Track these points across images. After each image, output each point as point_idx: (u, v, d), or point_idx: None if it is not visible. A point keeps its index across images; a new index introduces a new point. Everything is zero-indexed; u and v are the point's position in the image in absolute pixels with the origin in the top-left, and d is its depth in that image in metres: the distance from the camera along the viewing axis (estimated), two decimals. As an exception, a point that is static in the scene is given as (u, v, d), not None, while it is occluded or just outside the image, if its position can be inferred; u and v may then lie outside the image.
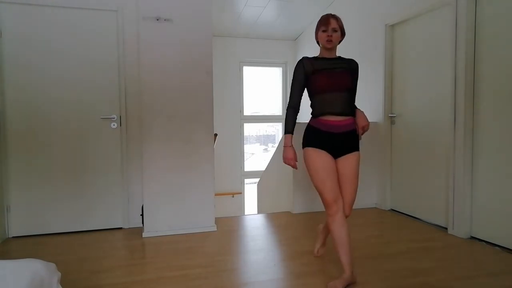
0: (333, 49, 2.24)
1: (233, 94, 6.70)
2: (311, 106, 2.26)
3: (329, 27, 2.17)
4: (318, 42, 2.29)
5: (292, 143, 2.27)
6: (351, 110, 2.21)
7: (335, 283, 2.11)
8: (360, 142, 2.27)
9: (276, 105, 7.18)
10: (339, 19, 2.24)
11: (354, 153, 2.20)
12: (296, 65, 2.26)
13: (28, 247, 2.99)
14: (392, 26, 3.98)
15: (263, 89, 7.17)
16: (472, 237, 3.05)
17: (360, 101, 4.50)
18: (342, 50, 5.49)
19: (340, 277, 2.15)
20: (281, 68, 7.05)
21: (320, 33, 2.22)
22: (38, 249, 2.94)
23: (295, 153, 2.26)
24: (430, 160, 3.49)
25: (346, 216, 2.21)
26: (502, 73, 2.81)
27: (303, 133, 2.29)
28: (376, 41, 4.19)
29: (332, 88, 2.15)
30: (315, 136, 2.20)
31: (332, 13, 2.25)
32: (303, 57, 2.27)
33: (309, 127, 2.25)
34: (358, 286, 2.19)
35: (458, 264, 2.53)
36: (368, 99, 4.37)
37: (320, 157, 2.16)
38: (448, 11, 3.20)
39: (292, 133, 2.26)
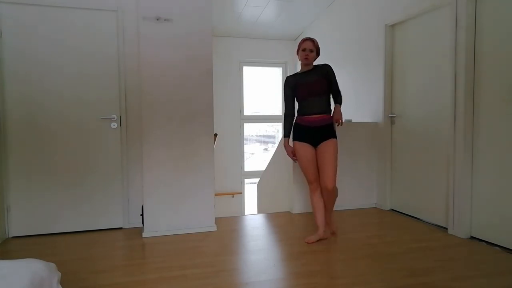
0: (310, 64, 2.94)
1: (233, 94, 6.70)
2: (298, 107, 2.98)
3: (307, 47, 2.87)
4: (297, 51, 2.97)
5: (288, 143, 3.04)
6: (326, 108, 2.91)
7: (310, 237, 2.95)
8: (338, 129, 3.05)
9: (276, 105, 7.18)
10: (315, 41, 2.92)
11: (330, 140, 2.87)
12: (284, 83, 3.03)
13: (28, 247, 2.99)
14: (392, 26, 3.98)
15: (263, 89, 7.17)
16: (472, 237, 3.05)
17: (360, 101, 4.53)
18: (343, 50, 5.51)
19: (315, 233, 2.99)
20: (281, 68, 7.05)
21: (300, 52, 2.91)
22: (38, 249, 2.94)
23: (292, 149, 3.00)
24: (430, 160, 3.49)
25: (329, 188, 2.83)
26: (502, 73, 2.81)
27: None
28: (376, 41, 4.19)
29: (310, 95, 2.88)
30: (299, 132, 2.95)
31: (311, 37, 2.94)
32: (287, 77, 3.05)
33: (296, 124, 2.99)
34: (358, 286, 2.19)
35: (458, 264, 2.53)
36: (368, 99, 4.37)
37: (303, 149, 2.92)
38: (448, 11, 3.20)
39: (288, 136, 3.01)
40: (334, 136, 2.89)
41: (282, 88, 3.17)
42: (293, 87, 2.95)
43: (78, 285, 2.24)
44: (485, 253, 2.73)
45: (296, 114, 3.02)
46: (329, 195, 2.89)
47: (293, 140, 2.98)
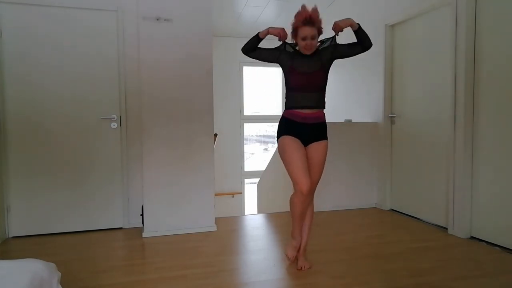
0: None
1: (233, 94, 6.70)
2: (286, 98, 2.44)
3: (309, 35, 2.25)
4: (293, 33, 2.36)
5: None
6: (322, 103, 2.42)
7: (288, 250, 2.48)
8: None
9: (276, 105, 7.18)
10: (319, 22, 2.30)
11: (322, 141, 2.42)
12: (280, 46, 2.46)
13: (28, 247, 2.99)
14: (392, 26, 3.98)
15: (263, 89, 7.17)
16: (472, 237, 3.05)
17: (360, 101, 4.53)
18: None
19: (290, 244, 2.49)
20: (281, 68, 7.04)
21: (299, 40, 2.31)
22: (38, 249, 2.94)
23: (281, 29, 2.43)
24: (430, 160, 3.49)
25: (311, 193, 2.40)
26: (502, 73, 2.81)
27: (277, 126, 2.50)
28: (376, 41, 4.17)
29: (307, 88, 2.35)
30: (289, 126, 2.39)
31: (311, 15, 2.30)
32: (287, 44, 2.44)
33: (283, 118, 2.44)
34: (358, 286, 2.19)
35: (458, 264, 2.53)
36: (368, 99, 4.37)
37: (294, 144, 2.35)
38: (448, 11, 3.20)
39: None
40: (327, 138, 2.45)
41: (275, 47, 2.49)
42: (284, 63, 2.43)
43: (78, 285, 2.24)
44: (485, 253, 2.73)
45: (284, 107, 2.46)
46: (306, 206, 2.42)
47: (280, 136, 2.43)
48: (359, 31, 2.39)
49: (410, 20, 3.72)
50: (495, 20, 2.86)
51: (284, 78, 2.46)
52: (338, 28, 2.35)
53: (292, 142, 2.35)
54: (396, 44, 3.96)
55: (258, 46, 2.50)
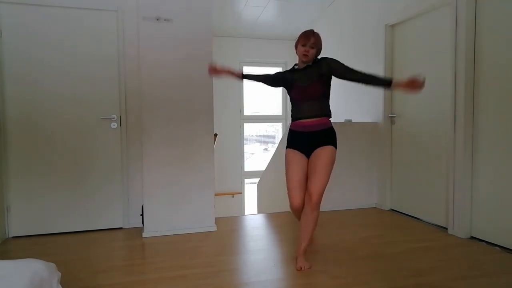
0: (309, 61, 2.51)
1: (233, 94, 6.70)
2: (291, 111, 2.58)
3: (308, 42, 2.44)
4: (296, 44, 2.58)
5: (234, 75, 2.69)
6: (325, 111, 2.49)
7: (299, 258, 2.49)
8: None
9: (276, 105, 7.18)
10: (317, 36, 2.49)
11: (326, 147, 2.43)
12: (283, 71, 2.67)
13: (28, 247, 2.99)
14: (392, 26, 3.98)
15: (263, 89, 7.17)
16: (472, 237, 3.05)
17: (360, 101, 4.53)
18: (343, 50, 5.49)
19: (299, 249, 2.51)
20: (281, 68, 7.04)
21: (299, 46, 2.48)
22: (38, 249, 2.94)
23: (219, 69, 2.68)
24: (430, 160, 3.49)
25: (312, 199, 2.38)
26: (502, 73, 2.81)
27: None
28: (376, 41, 4.18)
29: (305, 99, 2.46)
30: (292, 137, 2.53)
31: (314, 30, 2.51)
32: (286, 71, 2.65)
33: (288, 130, 2.59)
34: (358, 286, 2.19)
35: (458, 264, 2.53)
36: (368, 99, 4.37)
37: (293, 157, 2.47)
38: (448, 11, 3.20)
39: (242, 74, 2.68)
40: (333, 144, 2.44)
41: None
42: (287, 82, 2.56)
43: (78, 285, 2.24)
44: (485, 253, 2.73)
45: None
46: (310, 212, 2.39)
47: (286, 148, 2.55)
48: (388, 88, 2.68)
49: (410, 20, 3.72)
50: (495, 20, 2.86)
51: (288, 96, 2.61)
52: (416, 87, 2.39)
53: (292, 154, 2.49)
54: (396, 44, 3.96)
55: (263, 77, 2.71)
